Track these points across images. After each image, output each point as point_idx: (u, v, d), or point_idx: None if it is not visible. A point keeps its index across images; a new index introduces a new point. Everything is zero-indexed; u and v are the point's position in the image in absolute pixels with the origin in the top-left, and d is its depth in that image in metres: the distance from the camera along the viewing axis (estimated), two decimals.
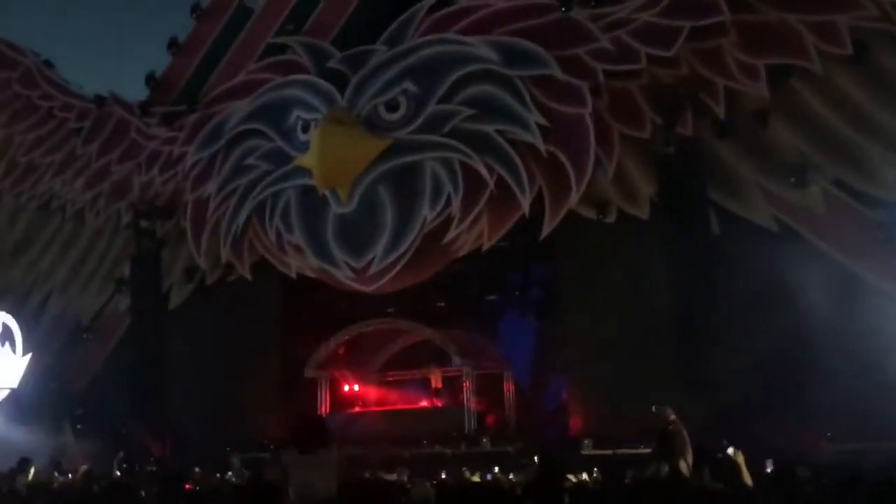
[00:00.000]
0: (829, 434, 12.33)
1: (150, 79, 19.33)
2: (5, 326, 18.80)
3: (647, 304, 14.02)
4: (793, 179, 13.60)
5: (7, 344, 18.55)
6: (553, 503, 5.99)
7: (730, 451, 8.42)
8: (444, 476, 12.49)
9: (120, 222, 19.29)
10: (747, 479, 7.50)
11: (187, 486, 9.19)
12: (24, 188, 20.18)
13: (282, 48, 17.75)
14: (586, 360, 15.18)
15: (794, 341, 12.04)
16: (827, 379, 11.40)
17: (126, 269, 19.00)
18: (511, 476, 12.20)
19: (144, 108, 18.93)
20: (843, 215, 13.42)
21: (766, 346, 11.95)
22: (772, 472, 8.04)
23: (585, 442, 14.41)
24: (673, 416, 9.63)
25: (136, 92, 19.75)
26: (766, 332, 11.98)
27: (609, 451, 13.65)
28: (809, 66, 13.23)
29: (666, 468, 6.21)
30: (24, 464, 11.41)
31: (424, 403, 18.61)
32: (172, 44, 19.31)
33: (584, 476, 10.97)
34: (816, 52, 13.09)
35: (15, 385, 18.31)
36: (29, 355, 18.53)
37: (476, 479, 11.04)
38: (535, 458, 7.26)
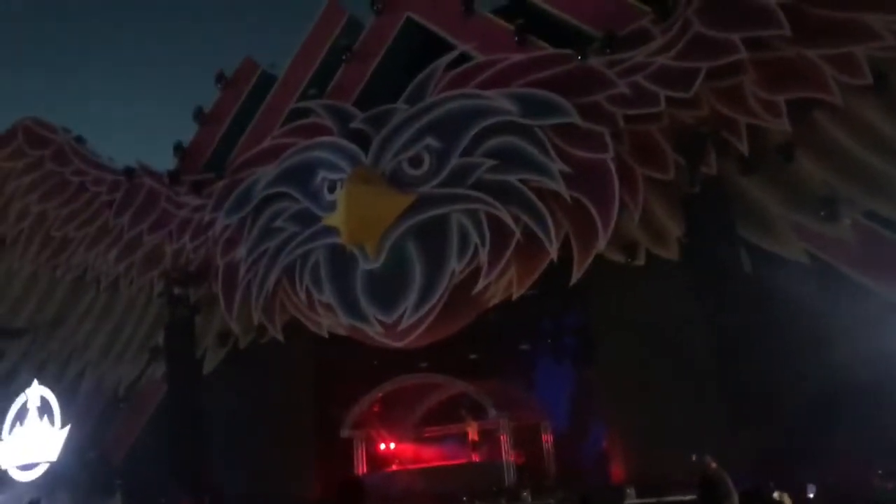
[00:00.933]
0: (880, 472, 11.96)
1: (177, 148, 19.82)
2: (44, 400, 19.04)
3: (684, 345, 13.82)
4: (822, 213, 13.46)
5: (46, 417, 18.76)
6: None
7: (775, 494, 8.20)
8: None
9: (153, 291, 19.55)
10: None
11: None
12: (59, 262, 20.61)
13: (305, 112, 18.10)
14: (625, 406, 14.94)
15: (836, 376, 11.76)
16: (874, 414, 11.10)
17: (160, 337, 19.16)
18: None
19: (173, 177, 19.35)
20: (875, 246, 13.22)
21: (808, 383, 11.70)
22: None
23: (628, 490, 14.09)
24: (714, 465, 9.42)
25: (165, 162, 20.26)
26: (807, 368, 11.74)
27: (653, 500, 13.33)
28: (830, 99, 13.19)
29: None
30: None
31: (462, 459, 18.36)
32: (198, 113, 19.79)
33: None
34: (836, 84, 13.05)
35: (54, 458, 18.44)
36: (67, 427, 18.69)
37: None
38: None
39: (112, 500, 18.43)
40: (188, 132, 20.09)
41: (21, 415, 19.24)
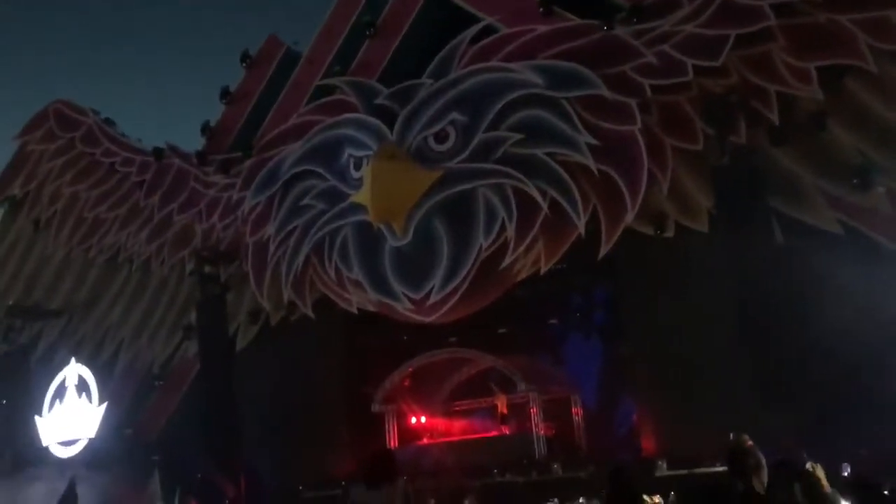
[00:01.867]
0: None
1: (205, 128, 19.91)
2: (81, 378, 19.38)
3: (715, 318, 13.70)
4: (855, 181, 13.24)
5: (84, 395, 19.10)
6: None
7: (808, 465, 8.13)
8: None
9: (184, 270, 19.75)
10: (827, 491, 7.23)
11: None
12: (91, 243, 20.87)
13: (330, 89, 18.09)
14: (655, 380, 14.91)
15: (870, 348, 11.61)
16: None
17: (192, 316, 19.39)
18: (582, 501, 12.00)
19: (201, 157, 19.47)
20: None
21: (840, 355, 11.56)
22: (850, 478, 7.73)
23: (659, 463, 14.10)
24: (750, 443, 9.38)
25: (193, 142, 20.39)
26: (840, 340, 11.59)
27: (684, 471, 13.32)
28: (863, 65, 12.91)
29: (741, 486, 6.02)
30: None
31: (492, 432, 18.47)
32: (225, 93, 19.86)
33: (658, 499, 10.70)
34: (869, 49, 12.77)
35: (93, 434, 18.81)
36: (105, 405, 19.03)
37: None
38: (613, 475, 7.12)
39: (149, 477, 18.79)
40: (215, 112, 20.20)
41: (60, 392, 19.61)
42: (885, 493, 5.36)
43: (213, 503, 16.81)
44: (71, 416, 19.06)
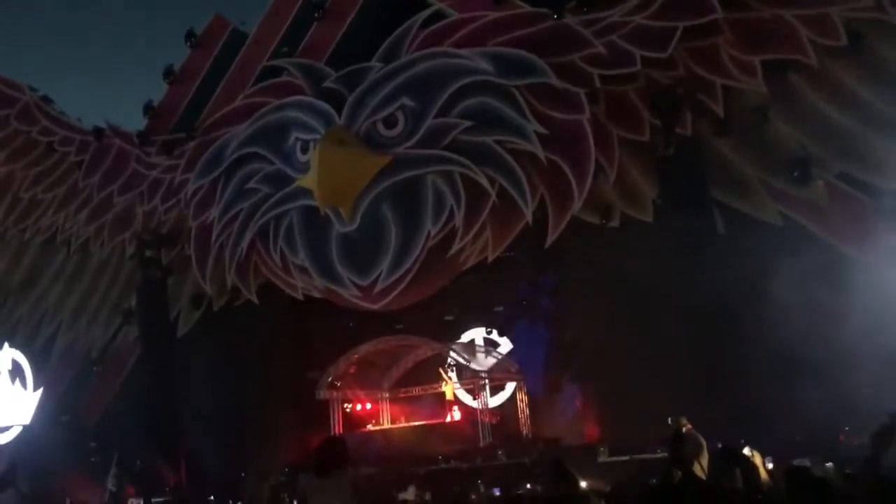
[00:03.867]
0: (847, 428, 12.18)
1: (147, 108, 19.38)
2: (15, 363, 18.82)
3: (657, 307, 13.88)
4: (796, 174, 13.54)
5: (17, 381, 18.56)
6: None
7: (746, 450, 8.32)
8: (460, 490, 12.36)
9: (125, 253, 19.32)
10: (765, 477, 7.41)
11: None
12: (27, 224, 20.25)
13: (277, 71, 17.79)
14: (599, 367, 15.07)
15: (807, 337, 11.90)
16: (843, 373, 11.25)
17: (133, 300, 18.98)
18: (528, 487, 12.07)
19: (143, 137, 18.98)
20: (848, 207, 13.32)
21: (779, 343, 11.84)
22: (774, 468, 7.94)
23: (601, 449, 14.27)
24: (689, 426, 9.55)
25: (135, 122, 19.86)
26: (778, 329, 11.86)
27: (626, 458, 13.52)
28: (806, 60, 13.22)
29: (679, 473, 6.12)
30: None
31: (438, 419, 18.50)
32: (168, 72, 19.36)
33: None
34: (812, 45, 13.08)
35: (27, 421, 18.30)
36: (40, 391, 18.53)
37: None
38: (552, 468, 7.17)
39: (88, 463, 18.38)
40: (158, 92, 19.67)
41: None
42: (815, 476, 5.52)
43: (153, 490, 16.56)
44: (4, 403, 18.52)
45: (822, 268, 12.15)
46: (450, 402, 18.38)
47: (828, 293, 11.77)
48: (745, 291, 12.69)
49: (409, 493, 10.84)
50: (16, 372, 18.91)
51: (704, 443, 9.08)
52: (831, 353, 11.64)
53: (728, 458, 7.43)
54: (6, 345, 19.16)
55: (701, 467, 8.27)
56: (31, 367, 18.79)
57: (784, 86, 13.58)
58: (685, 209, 13.81)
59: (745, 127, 13.88)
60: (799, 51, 13.18)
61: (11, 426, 18.47)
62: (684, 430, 9.38)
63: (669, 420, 9.98)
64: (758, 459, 7.64)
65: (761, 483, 7.15)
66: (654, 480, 7.80)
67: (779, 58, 13.43)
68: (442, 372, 18.38)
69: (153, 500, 16.35)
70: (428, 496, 11.63)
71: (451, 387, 18.32)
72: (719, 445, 8.96)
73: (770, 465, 8.49)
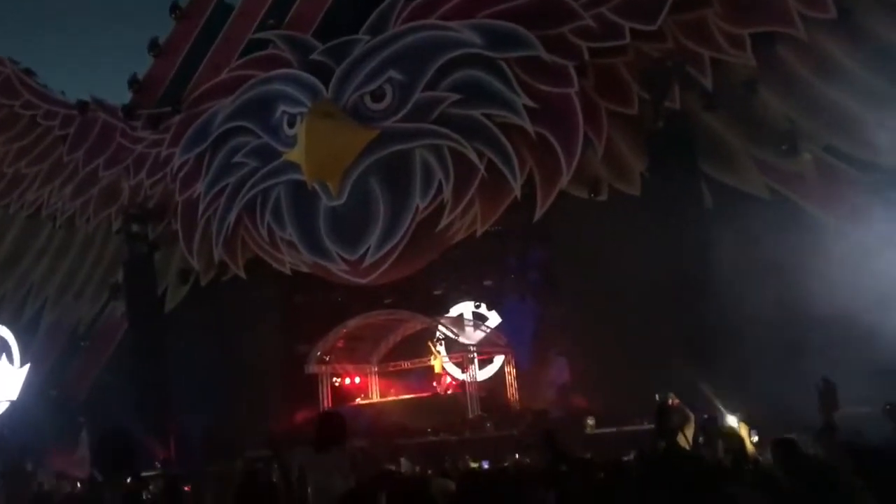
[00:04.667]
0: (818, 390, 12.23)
1: (132, 82, 19.17)
2: (1, 339, 18.78)
3: (645, 280, 13.90)
4: (784, 147, 13.55)
5: (4, 356, 18.51)
6: (563, 485, 5.95)
7: (732, 422, 8.39)
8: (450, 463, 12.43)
9: (111, 228, 19.19)
10: (751, 450, 7.49)
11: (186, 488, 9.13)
12: (12, 198, 20.08)
13: (264, 43, 17.60)
14: (587, 340, 15.17)
15: (794, 310, 11.98)
16: (828, 345, 11.35)
17: (120, 275, 18.90)
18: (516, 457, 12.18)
19: (128, 111, 18.79)
20: (835, 181, 13.37)
21: (766, 317, 11.91)
22: (760, 441, 8.02)
23: (589, 421, 14.39)
24: (677, 402, 9.61)
25: (120, 95, 19.64)
26: (766, 302, 11.93)
27: (613, 430, 13.64)
28: (794, 33, 13.18)
29: (663, 444, 6.18)
30: None
31: (426, 392, 18.60)
32: (153, 45, 19.12)
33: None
34: (801, 18, 13.02)
35: (14, 397, 18.28)
36: (27, 366, 18.49)
37: (474, 465, 10.95)
38: (541, 441, 7.23)
39: (77, 438, 18.39)
40: (143, 65, 19.44)
41: None
42: (800, 449, 5.60)
43: (140, 464, 16.55)
44: None
45: (809, 241, 12.20)
46: (438, 375, 18.46)
47: (814, 266, 11.82)
48: (732, 265, 12.73)
49: (403, 466, 10.87)
50: (2, 348, 18.88)
51: (692, 415, 9.16)
52: (817, 325, 11.73)
53: (713, 430, 7.52)
54: None
55: (686, 438, 8.35)
56: (18, 343, 18.74)
57: (773, 59, 13.54)
58: (673, 183, 13.81)
59: (734, 100, 13.86)
60: (788, 23, 13.14)
61: None
62: (671, 402, 9.45)
63: (657, 396, 10.06)
64: (744, 431, 7.71)
65: (747, 455, 7.22)
66: (634, 453, 7.88)
67: (767, 30, 13.39)
68: (431, 346, 18.44)
69: (143, 474, 16.36)
70: (418, 469, 11.67)
71: (440, 360, 18.39)
72: (705, 416, 9.05)
73: (756, 438, 8.57)
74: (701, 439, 7.89)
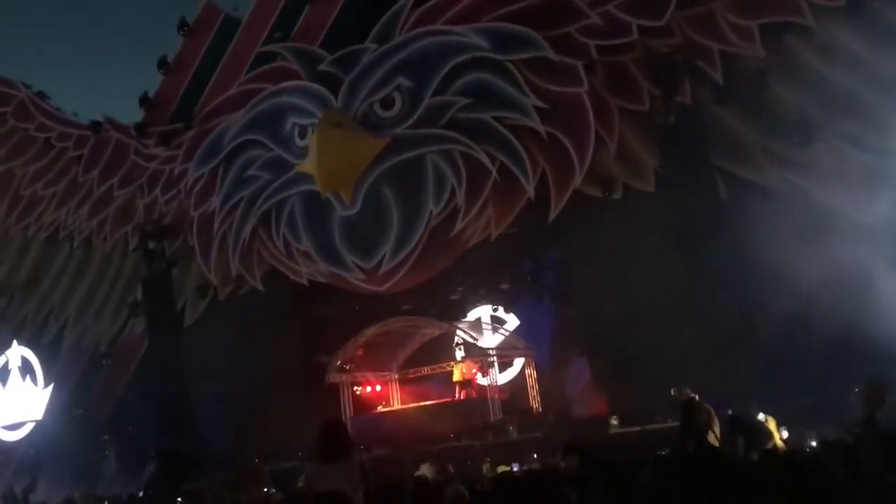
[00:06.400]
0: (857, 389, 12.13)
1: (143, 100, 19.31)
2: (25, 360, 18.94)
3: (662, 276, 13.86)
4: (797, 138, 13.44)
5: (28, 377, 18.67)
6: (586, 487, 5.90)
7: (760, 417, 8.30)
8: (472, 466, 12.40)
9: (128, 246, 19.33)
10: (780, 445, 7.39)
11: None
12: (30, 221, 20.25)
13: (272, 56, 17.68)
14: (606, 339, 15.06)
15: (813, 301, 11.88)
16: (849, 336, 11.24)
17: (138, 292, 19.01)
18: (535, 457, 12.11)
19: (141, 129, 18.93)
20: (850, 169, 13.23)
21: (786, 309, 11.81)
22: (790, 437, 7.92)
23: (612, 421, 14.31)
24: (693, 395, 9.52)
25: (132, 114, 19.79)
26: (784, 294, 11.83)
27: (637, 429, 13.55)
28: (803, 22, 13.09)
29: (691, 444, 6.11)
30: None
31: (447, 398, 18.55)
32: (162, 62, 19.26)
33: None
34: (809, 6, 12.94)
35: (39, 417, 18.41)
36: (51, 386, 18.62)
37: (505, 468, 10.90)
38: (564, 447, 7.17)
39: (103, 457, 18.52)
40: (153, 83, 19.57)
41: (2, 376, 19.14)
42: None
43: (181, 475, 16.55)
44: (15, 400, 18.65)
45: (826, 231, 12.09)
46: (458, 381, 18.37)
47: (832, 257, 11.72)
48: (749, 257, 12.64)
49: (425, 469, 10.82)
50: (25, 368, 19.03)
51: (712, 411, 9.08)
52: (837, 316, 11.62)
53: (734, 427, 7.43)
54: (14, 342, 19.26)
55: (715, 435, 8.27)
56: (41, 364, 18.89)
57: (782, 49, 13.46)
58: (687, 178, 13.75)
59: (745, 93, 13.78)
60: (796, 13, 13.06)
61: (24, 422, 18.60)
62: (692, 396, 9.36)
63: (672, 390, 9.98)
64: (772, 425, 7.61)
65: (777, 450, 7.12)
66: (662, 452, 7.79)
67: (776, 21, 13.30)
68: (456, 349, 18.32)
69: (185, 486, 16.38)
70: (449, 469, 11.60)
71: (460, 366, 18.32)
72: (729, 412, 8.95)
73: (786, 434, 8.46)
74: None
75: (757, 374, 12.14)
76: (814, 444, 8.11)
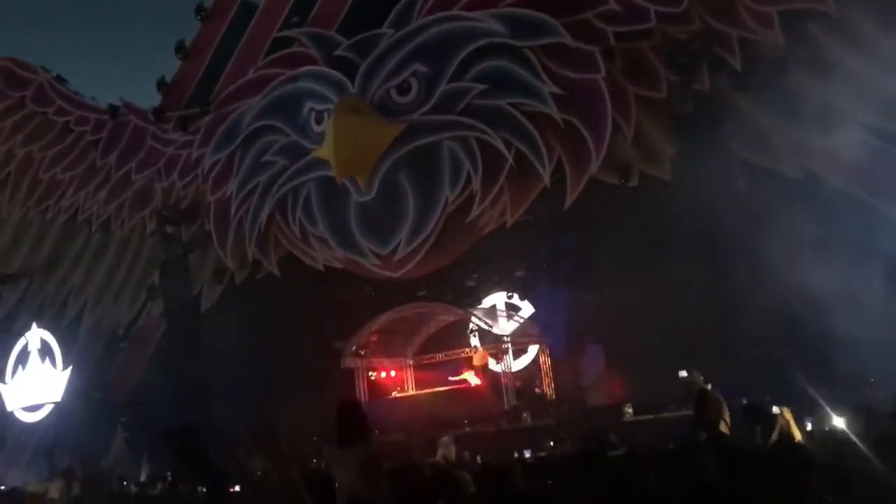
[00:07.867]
0: (872, 380, 12.09)
1: (161, 84, 19.36)
2: (44, 342, 19.15)
3: (679, 264, 13.80)
4: (816, 126, 13.29)
5: (48, 360, 18.89)
6: (598, 474, 5.90)
7: (774, 408, 8.24)
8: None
9: (145, 230, 19.47)
10: (797, 435, 7.35)
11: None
12: (49, 204, 20.40)
13: (289, 41, 17.68)
14: (621, 327, 15.04)
15: (832, 291, 11.79)
16: (868, 326, 11.15)
17: (156, 276, 19.16)
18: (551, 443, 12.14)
19: (158, 113, 19.00)
20: (870, 158, 13.09)
21: (803, 299, 11.73)
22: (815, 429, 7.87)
23: (626, 409, 14.31)
24: (701, 378, 9.49)
25: (149, 98, 19.87)
26: (802, 284, 11.74)
27: (650, 416, 13.56)
28: (824, 9, 12.91)
29: (704, 435, 6.10)
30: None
31: (462, 384, 18.60)
32: (180, 47, 19.30)
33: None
34: None
35: (59, 399, 18.64)
36: (69, 369, 18.83)
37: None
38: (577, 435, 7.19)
39: (120, 438, 18.73)
40: (171, 67, 19.63)
41: (22, 358, 19.38)
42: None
43: (199, 456, 16.72)
44: (35, 382, 18.88)
45: (847, 221, 11.99)
46: (472, 367, 18.42)
47: (852, 247, 11.63)
48: (767, 247, 12.55)
49: (443, 451, 10.82)
50: (45, 351, 19.26)
51: (723, 400, 9.05)
52: (856, 306, 11.54)
53: (750, 416, 7.40)
54: (34, 325, 19.47)
55: (727, 424, 8.24)
56: (60, 346, 19.09)
57: (803, 36, 13.29)
58: (704, 166, 13.62)
59: (764, 80, 13.63)
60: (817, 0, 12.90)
61: (44, 404, 18.84)
62: (701, 382, 9.35)
63: (680, 374, 9.93)
64: (787, 415, 7.57)
65: (793, 440, 7.09)
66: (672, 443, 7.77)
67: (796, 7, 13.14)
68: (472, 336, 18.34)
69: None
70: (466, 454, 11.60)
71: (474, 352, 18.36)
72: (744, 402, 8.92)
73: (809, 426, 8.40)
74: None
75: (773, 363, 12.09)
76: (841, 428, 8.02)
